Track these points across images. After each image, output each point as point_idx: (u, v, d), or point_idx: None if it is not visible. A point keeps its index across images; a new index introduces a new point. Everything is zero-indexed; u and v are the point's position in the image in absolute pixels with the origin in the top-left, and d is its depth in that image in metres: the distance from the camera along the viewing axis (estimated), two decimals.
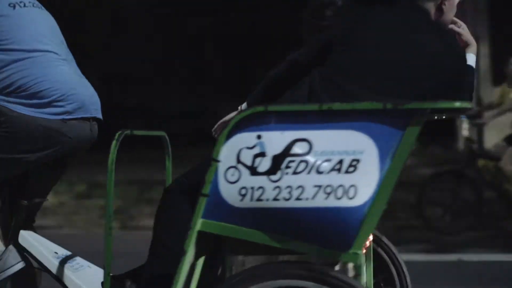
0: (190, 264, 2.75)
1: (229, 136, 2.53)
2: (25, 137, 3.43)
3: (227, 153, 2.53)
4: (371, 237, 3.30)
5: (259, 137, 2.50)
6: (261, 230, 2.52)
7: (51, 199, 11.61)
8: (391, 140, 2.40)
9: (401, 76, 2.82)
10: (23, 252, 3.58)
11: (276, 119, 2.51)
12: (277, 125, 2.50)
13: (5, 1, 3.66)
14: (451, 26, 3.26)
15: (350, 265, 2.96)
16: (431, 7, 3.08)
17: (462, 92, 3.01)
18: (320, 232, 2.44)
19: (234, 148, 2.53)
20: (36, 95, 3.45)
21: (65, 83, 3.52)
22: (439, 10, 3.09)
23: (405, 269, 3.83)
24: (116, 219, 9.66)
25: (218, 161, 2.53)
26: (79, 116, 3.52)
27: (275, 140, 2.49)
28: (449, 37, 3.06)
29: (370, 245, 3.37)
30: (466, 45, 3.26)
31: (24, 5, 3.70)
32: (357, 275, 2.94)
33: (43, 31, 3.66)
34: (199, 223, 2.60)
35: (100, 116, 3.66)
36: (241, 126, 2.53)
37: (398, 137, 2.39)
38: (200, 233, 2.61)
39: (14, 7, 3.65)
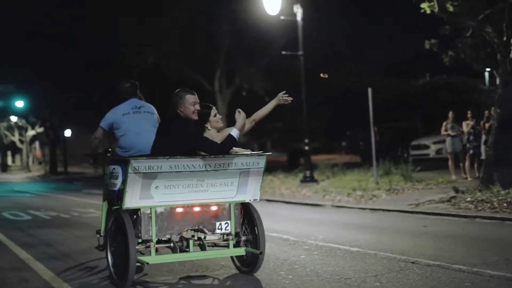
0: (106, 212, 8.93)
1: (107, 165, 8.53)
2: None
3: (105, 170, 8.65)
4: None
5: (113, 168, 8.25)
6: (112, 196, 8.24)
7: None
8: (123, 170, 7.73)
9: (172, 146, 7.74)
10: None
11: (114, 161, 8.37)
12: (115, 163, 8.24)
13: (120, 112, 8.77)
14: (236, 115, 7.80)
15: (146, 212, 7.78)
16: (180, 112, 7.89)
17: (199, 149, 7.83)
18: (118, 197, 7.96)
19: (107, 169, 8.50)
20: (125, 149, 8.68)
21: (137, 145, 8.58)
22: (181, 112, 7.89)
23: (259, 222, 8.26)
24: None
25: (106, 174, 8.57)
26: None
27: (113, 167, 8.25)
28: (189, 127, 7.76)
29: (229, 208, 8.19)
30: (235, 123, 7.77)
31: (127, 114, 8.73)
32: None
33: (135, 124, 8.66)
34: (105, 192, 8.80)
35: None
36: (110, 162, 8.47)
37: (124, 169, 7.63)
38: (106, 196, 8.78)
39: (122, 116, 8.73)
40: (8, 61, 49.05)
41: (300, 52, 24.60)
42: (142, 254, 8.24)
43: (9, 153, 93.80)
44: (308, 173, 23.87)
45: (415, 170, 21.33)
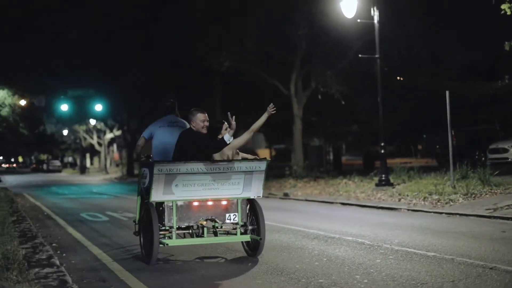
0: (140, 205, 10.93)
1: (140, 167, 10.76)
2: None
3: (139, 171, 10.83)
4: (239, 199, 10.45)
5: (144, 169, 10.45)
6: (144, 192, 10.39)
7: None
8: (151, 172, 9.82)
9: (192, 151, 10.10)
10: None
11: (144, 164, 10.51)
12: (145, 166, 10.41)
13: (158, 125, 11.05)
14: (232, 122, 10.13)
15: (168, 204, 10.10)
16: (193, 127, 10.40)
17: (205, 151, 10.17)
18: (146, 192, 10.19)
19: (140, 171, 10.66)
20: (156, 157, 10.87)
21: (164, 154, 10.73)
22: (193, 126, 10.36)
23: (261, 214, 10.30)
24: None
25: (139, 174, 10.79)
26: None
27: (143, 169, 10.45)
28: (198, 137, 10.15)
29: (237, 203, 10.38)
30: (228, 130, 10.12)
31: (163, 126, 10.96)
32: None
33: (167, 135, 10.80)
34: (138, 189, 10.84)
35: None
36: (141, 165, 10.65)
37: (150, 171, 9.89)
38: (139, 192, 10.82)
39: (159, 128, 11.00)
40: (88, 65, 50.02)
41: (377, 55, 24.43)
42: (170, 238, 10.09)
43: (87, 155, 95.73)
44: (383, 176, 23.68)
45: (493, 174, 20.96)
